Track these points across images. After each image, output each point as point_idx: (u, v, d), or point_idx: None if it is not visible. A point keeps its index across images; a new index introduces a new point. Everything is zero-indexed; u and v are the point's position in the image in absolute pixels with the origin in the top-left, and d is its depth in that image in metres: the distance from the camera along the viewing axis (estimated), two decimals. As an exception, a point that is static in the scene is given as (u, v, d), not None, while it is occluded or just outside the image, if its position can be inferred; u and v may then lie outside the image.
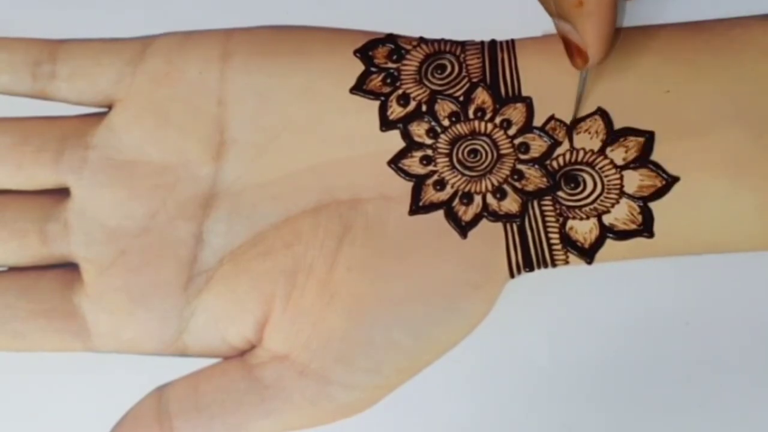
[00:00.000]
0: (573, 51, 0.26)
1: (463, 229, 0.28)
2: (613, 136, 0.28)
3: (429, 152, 0.29)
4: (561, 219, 0.27)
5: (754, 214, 0.27)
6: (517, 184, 0.28)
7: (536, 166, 0.28)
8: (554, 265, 0.27)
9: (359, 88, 0.29)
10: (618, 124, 0.28)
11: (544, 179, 0.28)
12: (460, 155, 0.28)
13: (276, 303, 0.27)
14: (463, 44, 0.30)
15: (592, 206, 0.27)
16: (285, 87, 0.29)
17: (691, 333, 0.27)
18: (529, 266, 0.27)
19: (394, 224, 0.28)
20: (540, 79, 0.29)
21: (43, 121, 0.30)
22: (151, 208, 0.28)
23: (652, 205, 0.27)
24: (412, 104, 0.29)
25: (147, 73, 0.30)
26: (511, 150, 0.28)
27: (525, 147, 0.28)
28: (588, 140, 0.28)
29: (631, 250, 0.27)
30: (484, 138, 0.28)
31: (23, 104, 0.30)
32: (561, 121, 0.28)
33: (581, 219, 0.27)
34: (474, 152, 0.28)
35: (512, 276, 0.27)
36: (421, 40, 0.30)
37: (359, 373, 0.27)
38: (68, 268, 0.28)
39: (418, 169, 0.28)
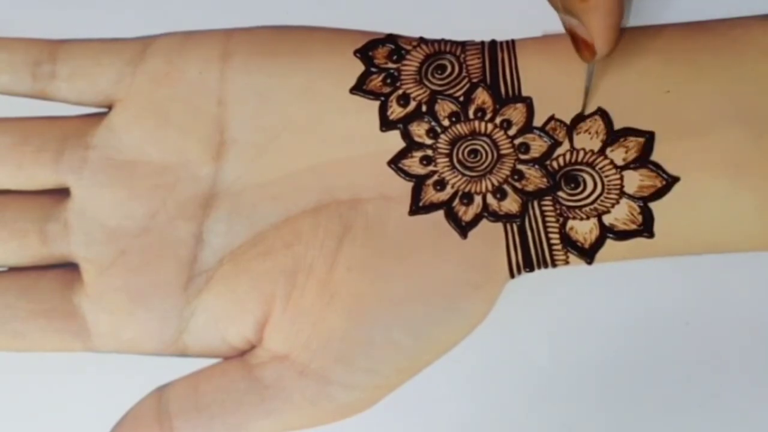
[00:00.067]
0: (580, 45, 0.26)
1: (463, 229, 0.28)
2: (613, 136, 0.28)
3: (429, 152, 0.29)
4: (561, 219, 0.27)
5: (754, 214, 0.27)
6: (517, 184, 0.28)
7: (536, 167, 0.28)
8: (554, 265, 0.27)
9: (359, 88, 0.29)
10: (618, 125, 0.28)
11: (545, 179, 0.28)
12: (460, 155, 0.28)
13: (276, 303, 0.27)
14: (463, 44, 0.30)
15: (592, 206, 0.27)
16: (285, 87, 0.29)
17: (691, 333, 0.27)
18: (529, 266, 0.27)
19: (394, 224, 0.28)
20: (540, 79, 0.29)
21: (43, 121, 0.30)
22: (151, 208, 0.28)
23: (652, 205, 0.27)
24: (412, 104, 0.29)
25: (147, 73, 0.30)
26: (511, 150, 0.28)
27: (525, 147, 0.28)
28: (588, 140, 0.28)
29: (631, 250, 0.27)
30: (485, 138, 0.28)
31: (23, 104, 0.30)
32: (561, 121, 0.28)
33: (581, 219, 0.27)
34: (474, 152, 0.28)
35: (512, 276, 0.27)
36: (421, 41, 0.30)
37: (359, 373, 0.27)
38: (68, 268, 0.28)
39: (418, 170, 0.28)
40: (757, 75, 0.28)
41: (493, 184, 0.28)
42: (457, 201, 0.28)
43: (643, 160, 0.27)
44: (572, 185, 0.28)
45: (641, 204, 0.27)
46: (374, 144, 0.29)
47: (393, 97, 0.29)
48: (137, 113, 0.29)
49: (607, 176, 0.28)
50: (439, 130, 0.29)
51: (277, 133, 0.29)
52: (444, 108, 0.29)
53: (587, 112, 0.28)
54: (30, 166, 0.29)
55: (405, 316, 0.27)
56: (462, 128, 0.29)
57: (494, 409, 0.27)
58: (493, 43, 0.30)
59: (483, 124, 0.29)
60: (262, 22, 0.31)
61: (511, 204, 0.28)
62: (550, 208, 0.28)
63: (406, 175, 0.28)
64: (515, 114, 0.29)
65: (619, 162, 0.28)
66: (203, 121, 0.29)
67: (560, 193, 0.28)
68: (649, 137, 0.28)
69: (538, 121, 0.28)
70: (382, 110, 0.29)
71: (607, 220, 0.27)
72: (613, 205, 0.27)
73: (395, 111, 0.29)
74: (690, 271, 0.27)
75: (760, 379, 0.27)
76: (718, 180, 0.27)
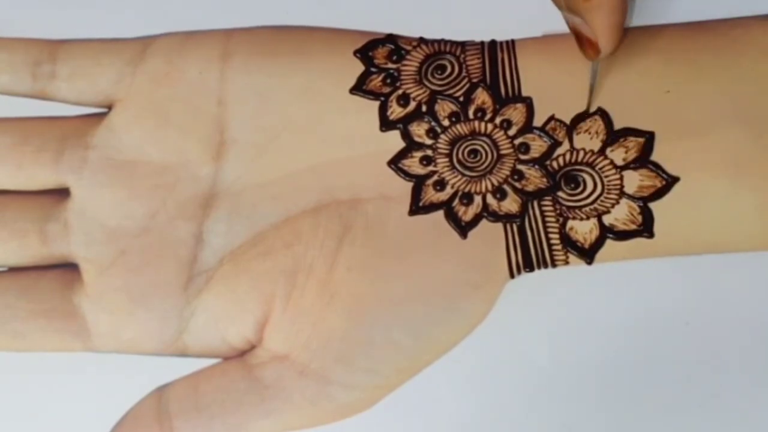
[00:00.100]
0: (584, 43, 0.26)
1: (463, 229, 0.28)
2: (613, 136, 0.28)
3: (429, 152, 0.29)
4: (561, 219, 0.27)
5: (754, 214, 0.27)
6: (517, 184, 0.28)
7: (536, 167, 0.28)
8: (554, 265, 0.27)
9: (359, 88, 0.29)
10: (618, 125, 0.28)
11: (544, 179, 0.28)
12: (460, 155, 0.28)
13: (276, 303, 0.27)
14: (463, 44, 0.30)
15: (592, 206, 0.27)
16: (285, 87, 0.29)
17: (691, 333, 0.27)
18: (529, 266, 0.27)
19: (394, 224, 0.28)
20: (540, 79, 0.29)
21: (43, 121, 0.30)
22: (151, 208, 0.28)
23: (652, 205, 0.27)
24: (412, 104, 0.29)
25: (147, 73, 0.30)
26: (511, 150, 0.28)
27: (525, 147, 0.28)
28: (588, 140, 0.28)
29: (631, 250, 0.27)
30: (484, 138, 0.28)
31: (23, 104, 0.30)
32: (561, 122, 0.28)
33: (581, 219, 0.27)
34: (474, 152, 0.28)
35: (512, 276, 0.27)
36: (421, 41, 0.30)
37: (359, 373, 0.27)
38: (68, 268, 0.28)
39: (418, 170, 0.28)
40: (757, 75, 0.28)
41: (493, 184, 0.28)
42: (456, 201, 0.28)
43: (643, 160, 0.27)
44: (572, 185, 0.28)
45: (641, 204, 0.27)
46: (374, 144, 0.29)
47: (393, 97, 0.29)
48: (137, 113, 0.29)
49: (607, 176, 0.28)
50: (439, 130, 0.29)
51: (277, 133, 0.29)
52: (444, 108, 0.29)
53: (592, 109, 0.28)
54: (30, 166, 0.29)
55: (405, 316, 0.27)
56: (462, 128, 0.29)
57: (494, 409, 0.27)
58: (493, 43, 0.30)
59: (483, 124, 0.29)
60: (262, 22, 0.31)
61: (511, 204, 0.28)
62: (550, 208, 0.28)
63: (406, 175, 0.28)
64: (515, 114, 0.29)
65: (619, 162, 0.28)
66: (203, 121, 0.29)
67: (560, 193, 0.28)
68: (649, 137, 0.28)
69: (538, 121, 0.28)
70: (382, 110, 0.29)
71: (607, 220, 0.27)
72: (613, 205, 0.27)
73: (395, 111, 0.29)
74: (690, 271, 0.27)
75: (760, 379, 0.27)
76: (718, 180, 0.27)
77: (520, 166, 0.28)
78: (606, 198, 0.27)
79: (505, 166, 0.28)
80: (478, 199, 0.28)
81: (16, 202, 0.29)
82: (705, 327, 0.27)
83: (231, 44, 0.30)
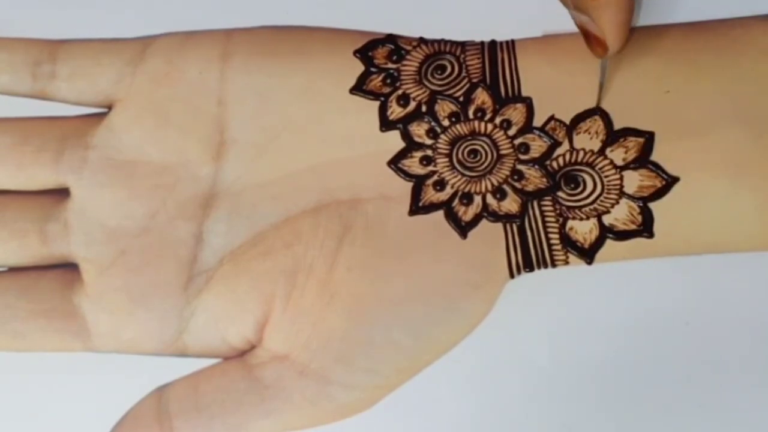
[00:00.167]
0: (592, 41, 0.26)
1: (463, 229, 0.28)
2: (613, 136, 0.28)
3: (429, 152, 0.29)
4: (561, 219, 0.27)
5: (754, 214, 0.27)
6: (517, 184, 0.28)
7: (536, 167, 0.28)
8: (554, 265, 0.27)
9: (359, 88, 0.29)
10: (618, 125, 0.28)
11: (544, 179, 0.28)
12: (460, 155, 0.28)
13: (276, 303, 0.27)
14: (463, 44, 0.30)
15: (592, 206, 0.27)
16: (285, 87, 0.29)
17: (691, 333, 0.27)
18: (529, 266, 0.27)
19: (394, 224, 0.28)
20: (540, 79, 0.29)
21: (43, 121, 0.30)
22: (151, 208, 0.29)
23: (652, 205, 0.27)
24: (412, 104, 0.29)
25: (147, 73, 0.30)
26: (511, 150, 0.28)
27: (525, 147, 0.28)
28: (588, 140, 0.28)
29: (631, 250, 0.27)
30: (484, 138, 0.28)
31: (23, 104, 0.30)
32: (561, 122, 0.28)
33: (581, 219, 0.27)
34: (474, 152, 0.28)
35: (512, 276, 0.27)
36: (421, 41, 0.30)
37: (359, 373, 0.27)
38: (68, 268, 0.28)
39: (418, 170, 0.28)
40: (757, 75, 0.28)
41: (492, 184, 0.28)
42: (456, 201, 0.28)
43: (642, 160, 0.27)
44: (572, 185, 0.28)
45: (641, 204, 0.27)
46: (374, 144, 0.29)
47: (393, 97, 0.29)
48: (137, 113, 0.29)
49: (606, 176, 0.28)
50: (438, 130, 0.29)
51: (277, 133, 0.29)
52: (444, 108, 0.29)
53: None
54: (30, 166, 0.29)
55: (405, 316, 0.27)
56: (462, 128, 0.29)
57: (494, 409, 0.27)
58: (492, 43, 0.30)
59: (483, 124, 0.29)
60: (262, 22, 0.31)
61: (510, 204, 0.28)
62: (550, 208, 0.28)
63: (405, 175, 0.28)
64: (515, 114, 0.29)
65: (619, 162, 0.28)
66: (203, 121, 0.29)
67: (560, 193, 0.28)
68: (649, 137, 0.28)
69: (537, 121, 0.28)
70: (382, 110, 0.29)
71: (606, 220, 0.27)
72: (612, 205, 0.27)
73: (395, 111, 0.29)
74: (690, 271, 0.27)
75: (760, 379, 0.27)
76: (718, 180, 0.27)
77: (520, 166, 0.28)
78: (606, 198, 0.27)
79: (505, 166, 0.28)
80: (478, 199, 0.28)
81: (16, 202, 0.29)
82: (705, 327, 0.27)
83: (231, 44, 0.30)
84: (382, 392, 0.27)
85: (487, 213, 0.28)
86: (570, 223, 0.27)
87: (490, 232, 0.28)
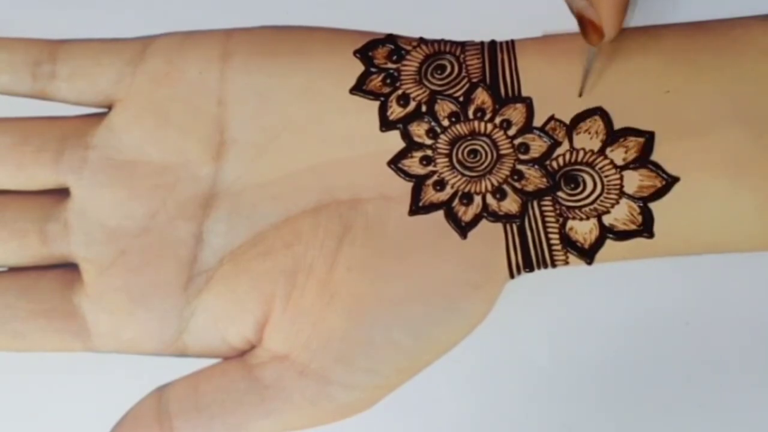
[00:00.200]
0: (588, 27, 0.26)
1: (463, 229, 0.28)
2: (613, 136, 0.28)
3: (429, 152, 0.29)
4: (561, 219, 0.27)
5: (754, 214, 0.27)
6: (516, 184, 0.28)
7: (536, 167, 0.28)
8: (554, 265, 0.27)
9: (359, 88, 0.29)
10: (618, 124, 0.28)
11: (544, 179, 0.28)
12: (459, 155, 0.28)
13: (276, 303, 0.27)
14: (463, 44, 0.30)
15: (592, 206, 0.27)
16: (285, 87, 0.29)
17: (691, 333, 0.27)
18: (529, 266, 0.27)
19: (394, 224, 0.28)
20: (540, 79, 0.29)
21: (43, 121, 0.30)
22: (151, 208, 0.29)
23: (652, 205, 0.27)
24: (412, 104, 0.29)
25: (147, 73, 0.30)
26: (510, 150, 0.28)
27: (525, 147, 0.28)
28: (588, 140, 0.28)
29: (631, 250, 0.27)
30: (484, 138, 0.28)
31: (23, 104, 0.30)
32: (561, 121, 0.28)
33: (581, 219, 0.27)
34: (474, 152, 0.28)
35: (512, 276, 0.27)
36: (421, 41, 0.30)
37: (359, 373, 0.27)
38: (68, 268, 0.28)
39: (418, 170, 0.28)
40: (757, 75, 0.28)
41: (492, 185, 0.28)
42: (456, 201, 0.28)
43: (643, 160, 0.27)
44: (572, 185, 0.28)
45: (641, 204, 0.27)
46: (374, 144, 0.29)
47: (393, 97, 0.29)
48: (137, 113, 0.29)
49: (606, 176, 0.28)
50: (438, 130, 0.29)
51: (277, 133, 0.29)
52: (444, 108, 0.29)
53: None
54: (30, 166, 0.29)
55: (405, 316, 0.27)
56: (462, 128, 0.29)
57: (494, 409, 0.27)
58: (492, 43, 0.30)
59: (483, 124, 0.29)
60: (262, 22, 0.31)
61: (510, 204, 0.28)
62: (550, 208, 0.28)
63: (405, 175, 0.28)
64: (515, 114, 0.29)
65: (619, 162, 0.28)
66: (203, 121, 0.29)
67: (560, 194, 0.28)
68: (649, 137, 0.28)
69: (537, 121, 0.28)
70: (382, 110, 0.29)
71: (606, 220, 0.27)
72: (612, 205, 0.27)
73: (395, 111, 0.29)
74: (690, 271, 0.27)
75: (760, 379, 0.27)
76: (718, 180, 0.27)
77: (519, 166, 0.28)
78: (606, 198, 0.27)
79: (505, 166, 0.28)
80: (477, 199, 0.28)
81: (16, 202, 0.29)
82: (705, 327, 0.27)
83: (231, 44, 0.30)
84: (382, 392, 0.27)
85: (487, 213, 0.28)
86: (570, 223, 0.27)
87: (490, 232, 0.28)
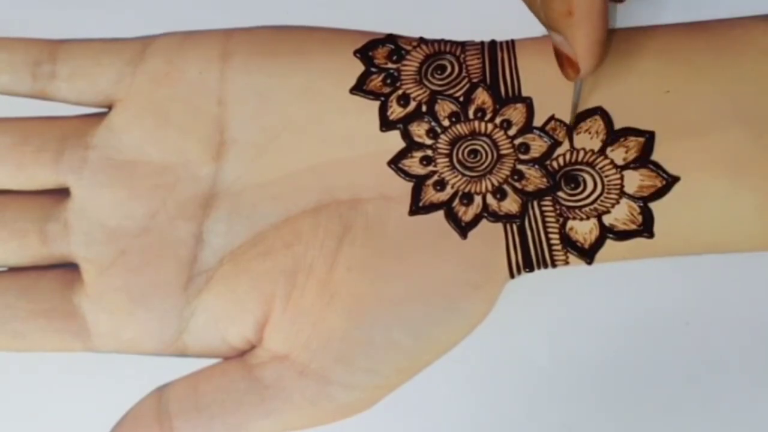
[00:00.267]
0: (564, 62, 0.26)
1: (463, 229, 0.28)
2: (614, 136, 0.28)
3: (429, 152, 0.29)
4: (561, 219, 0.27)
5: (754, 214, 0.27)
6: (517, 184, 0.28)
7: (536, 167, 0.28)
8: (554, 265, 0.27)
9: (359, 88, 0.29)
10: (618, 124, 0.28)
11: (544, 179, 0.28)
12: (460, 155, 0.28)
13: (276, 303, 0.27)
14: (463, 44, 0.30)
15: (592, 206, 0.27)
16: (285, 87, 0.29)
17: (691, 333, 0.27)
18: (529, 266, 0.27)
19: (394, 224, 0.28)
20: (540, 79, 0.29)
21: (43, 121, 0.30)
22: (151, 208, 0.28)
23: (652, 205, 0.27)
24: (412, 104, 0.29)
25: (147, 73, 0.30)
26: (511, 150, 0.28)
27: (525, 147, 0.28)
28: (588, 140, 0.28)
29: (631, 250, 0.27)
30: (484, 138, 0.28)
31: (23, 104, 0.30)
32: (561, 122, 0.28)
33: (581, 219, 0.27)
34: (474, 152, 0.28)
35: (512, 276, 0.27)
36: (421, 41, 0.30)
37: (359, 373, 0.27)
38: (68, 268, 0.28)
39: (418, 170, 0.28)
40: (757, 75, 0.28)
41: (493, 185, 0.28)
42: (457, 201, 0.28)
43: (643, 159, 0.27)
44: (572, 185, 0.28)
45: (641, 204, 0.27)
46: (374, 144, 0.29)
47: (393, 97, 0.29)
48: (137, 113, 0.29)
49: (607, 176, 0.28)
50: (439, 130, 0.29)
51: (277, 133, 0.29)
52: (444, 108, 0.29)
53: (566, 114, 0.28)
54: (30, 166, 0.29)
55: (405, 316, 0.27)
56: (462, 128, 0.29)
57: (494, 409, 0.27)
58: (493, 43, 0.30)
59: (483, 124, 0.29)
60: (262, 22, 0.31)
61: (511, 204, 0.28)
62: (550, 208, 0.28)
63: (406, 175, 0.28)
64: (515, 114, 0.29)
65: (619, 162, 0.28)
66: (203, 121, 0.29)
67: (560, 193, 0.28)
68: (649, 137, 0.28)
69: (538, 121, 0.28)
70: (382, 110, 0.29)
71: (607, 220, 0.27)
72: (613, 205, 0.27)
73: (395, 111, 0.29)
74: (690, 271, 0.27)
75: (760, 379, 0.27)
76: (718, 180, 0.27)
77: (520, 166, 0.28)
78: (606, 198, 0.27)
79: (505, 166, 0.28)
80: (478, 199, 0.28)
81: (16, 202, 0.29)
82: (705, 327, 0.27)
83: (231, 44, 0.30)
84: (382, 392, 0.27)
85: (487, 213, 0.28)
86: (570, 223, 0.27)
87: (490, 232, 0.28)
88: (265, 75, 0.29)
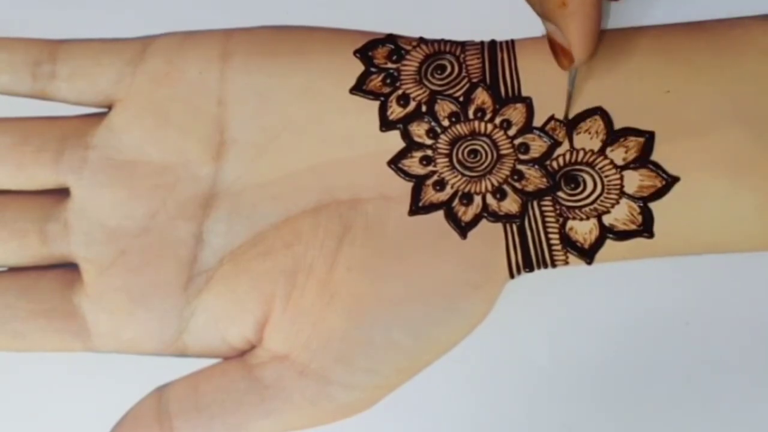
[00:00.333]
0: (558, 51, 0.26)
1: (463, 229, 0.28)
2: (613, 136, 0.28)
3: (429, 152, 0.29)
4: (561, 219, 0.27)
5: (754, 214, 0.27)
6: (517, 184, 0.28)
7: (536, 167, 0.28)
8: (554, 265, 0.27)
9: (359, 88, 0.29)
10: (618, 124, 0.28)
11: (544, 179, 0.28)
12: (460, 155, 0.28)
13: (276, 303, 0.27)
14: (463, 44, 0.30)
15: (592, 206, 0.27)
16: (285, 87, 0.29)
17: (691, 333, 0.27)
18: (529, 266, 0.27)
19: (394, 224, 0.28)
20: (540, 79, 0.29)
21: (43, 121, 0.30)
22: (151, 208, 0.29)
23: (652, 205, 0.27)
24: (412, 104, 0.29)
25: (147, 73, 0.30)
26: (511, 150, 0.28)
27: (525, 147, 0.28)
28: (588, 140, 0.28)
29: (631, 250, 0.27)
30: (484, 138, 0.28)
31: (23, 104, 0.30)
32: (561, 122, 0.28)
33: (581, 219, 0.27)
34: (474, 152, 0.28)
35: (512, 276, 0.27)
36: (421, 41, 0.30)
37: (359, 373, 0.27)
38: (68, 268, 0.28)
39: (418, 170, 0.28)
40: (757, 75, 0.28)
41: (492, 185, 0.28)
42: (456, 201, 0.28)
43: (643, 160, 0.27)
44: (572, 185, 0.28)
45: (641, 204, 0.27)
46: (374, 144, 0.29)
47: (393, 97, 0.29)
48: (137, 113, 0.29)
49: (607, 176, 0.28)
50: (438, 130, 0.29)
51: (277, 133, 0.29)
52: (444, 108, 0.29)
53: (570, 116, 0.28)
54: (30, 166, 0.29)
55: (405, 316, 0.27)
56: (462, 128, 0.29)
57: (494, 409, 0.27)
58: (492, 43, 0.30)
59: (483, 124, 0.29)
60: (262, 22, 0.31)
61: (510, 204, 0.28)
62: (550, 208, 0.28)
63: (405, 175, 0.28)
64: (515, 114, 0.29)
65: (619, 162, 0.28)
66: (203, 121, 0.29)
67: (560, 194, 0.28)
68: (649, 137, 0.28)
69: (537, 121, 0.28)
70: (382, 110, 0.29)
71: (606, 220, 0.27)
72: (613, 205, 0.27)
73: (395, 111, 0.29)
74: (690, 271, 0.27)
75: (760, 379, 0.27)
76: (718, 180, 0.27)
77: (520, 166, 0.28)
78: (606, 198, 0.27)
79: (505, 167, 0.28)
80: (477, 199, 0.28)
81: (16, 202, 0.29)
82: (705, 327, 0.27)
83: (231, 44, 0.30)
84: (382, 392, 0.27)
85: (487, 213, 0.28)
86: (570, 223, 0.27)
87: (490, 232, 0.28)
88: (265, 75, 0.29)
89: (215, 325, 0.28)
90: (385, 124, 0.29)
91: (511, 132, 0.28)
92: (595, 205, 0.27)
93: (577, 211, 0.27)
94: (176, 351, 0.28)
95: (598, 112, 0.28)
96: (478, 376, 0.27)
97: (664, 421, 0.26)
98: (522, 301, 0.27)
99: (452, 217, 0.28)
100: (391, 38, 0.30)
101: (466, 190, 0.28)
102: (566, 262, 0.27)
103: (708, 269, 0.27)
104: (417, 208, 0.28)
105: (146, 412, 0.27)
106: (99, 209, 0.28)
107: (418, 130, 0.29)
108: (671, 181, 0.27)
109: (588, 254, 0.27)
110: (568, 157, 0.28)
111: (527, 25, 0.29)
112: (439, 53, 0.29)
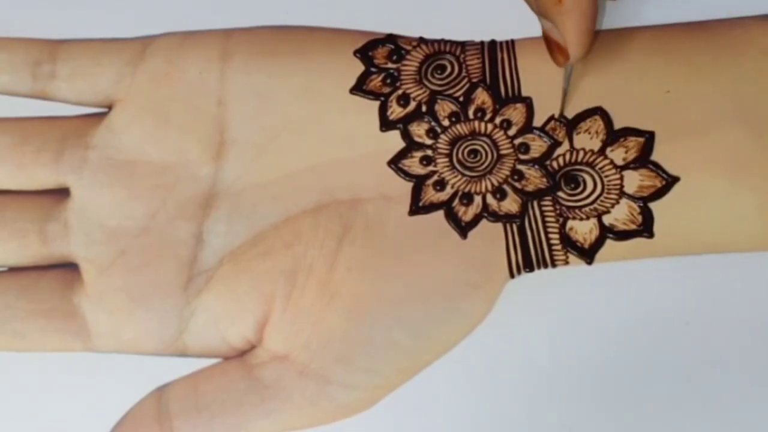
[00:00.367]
0: (554, 48, 0.26)
1: (463, 229, 0.28)
2: (613, 136, 0.28)
3: (429, 152, 0.29)
4: (561, 219, 0.27)
5: (754, 214, 0.27)
6: (517, 184, 0.28)
7: (536, 167, 0.28)
8: (554, 265, 0.27)
9: (359, 88, 0.29)
10: (618, 124, 0.28)
11: (544, 179, 0.28)
12: (460, 155, 0.28)
13: (276, 303, 0.27)
14: (463, 44, 0.30)
15: (592, 206, 0.27)
16: (285, 87, 0.29)
17: (691, 333, 0.27)
18: (529, 266, 0.27)
19: (394, 224, 0.28)
20: (540, 79, 0.29)
21: (43, 121, 0.30)
22: (151, 208, 0.29)
23: (652, 205, 0.27)
24: (412, 104, 0.29)
25: (147, 73, 0.30)
26: (511, 150, 0.28)
27: (525, 147, 0.28)
28: (588, 140, 0.28)
29: (631, 250, 0.27)
30: (484, 138, 0.28)
31: (23, 104, 0.30)
32: (561, 122, 0.28)
33: (581, 219, 0.27)
34: (474, 152, 0.28)
35: (512, 276, 0.27)
36: (421, 41, 0.30)
37: (359, 373, 0.27)
38: (68, 268, 0.28)
39: (418, 170, 0.28)
40: (757, 75, 0.28)
41: (492, 185, 0.28)
42: (456, 201, 0.28)
43: (643, 159, 0.27)
44: (572, 185, 0.28)
45: (641, 204, 0.27)
46: (374, 144, 0.29)
47: (393, 97, 0.29)
48: (137, 113, 0.29)
49: (607, 176, 0.28)
50: (439, 130, 0.29)
51: (277, 133, 0.29)
52: (444, 108, 0.29)
53: (566, 113, 0.28)
54: (30, 166, 0.29)
55: (405, 316, 0.27)
56: (462, 128, 0.29)
57: (494, 409, 0.27)
58: (492, 43, 0.30)
59: (483, 124, 0.29)
60: (262, 22, 0.31)
61: (510, 204, 0.28)
62: (550, 208, 0.28)
63: (406, 175, 0.28)
64: (515, 114, 0.29)
65: (619, 162, 0.28)
66: (203, 121, 0.29)
67: (560, 193, 0.28)
68: (649, 137, 0.28)
69: (537, 121, 0.28)
70: (382, 110, 0.29)
71: (606, 220, 0.27)
72: (613, 205, 0.27)
73: (395, 111, 0.29)
74: (690, 271, 0.27)
75: (760, 379, 0.27)
76: (718, 180, 0.27)
77: (520, 166, 0.28)
78: (606, 198, 0.27)
79: (505, 166, 0.28)
80: (478, 199, 0.28)
81: (16, 202, 0.29)
82: (705, 327, 0.27)
83: (231, 44, 0.30)
84: (382, 392, 0.27)
85: (487, 213, 0.28)
86: (570, 223, 0.27)
87: (490, 232, 0.28)
88: (265, 75, 0.29)
89: (215, 325, 0.28)
90: (385, 124, 0.29)
91: (511, 132, 0.28)
92: (595, 205, 0.27)
93: (577, 211, 0.27)
94: (176, 351, 0.28)
95: (598, 112, 0.28)
96: (478, 376, 0.27)
97: (664, 421, 0.26)
98: (522, 301, 0.27)
99: (452, 217, 0.28)
100: (391, 38, 0.30)
101: (466, 190, 0.28)
102: (566, 262, 0.27)
103: (708, 269, 0.27)
104: (417, 208, 0.28)
105: (146, 412, 0.27)
106: (99, 209, 0.28)
107: (418, 130, 0.29)
108: (671, 181, 0.27)
109: (588, 254, 0.27)
110: (568, 157, 0.28)
111: (527, 25, 0.29)
112: (439, 53, 0.29)
